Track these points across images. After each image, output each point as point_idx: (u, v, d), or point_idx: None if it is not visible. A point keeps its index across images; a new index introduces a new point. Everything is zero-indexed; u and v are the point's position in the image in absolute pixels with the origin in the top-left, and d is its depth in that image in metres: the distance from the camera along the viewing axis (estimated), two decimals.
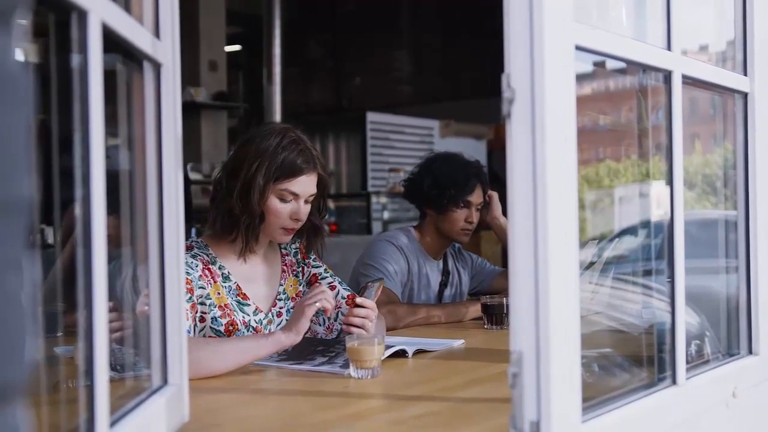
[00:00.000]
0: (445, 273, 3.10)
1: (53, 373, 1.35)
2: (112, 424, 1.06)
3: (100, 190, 1.00)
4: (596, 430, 1.25)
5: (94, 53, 0.99)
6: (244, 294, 2.22)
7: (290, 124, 2.31)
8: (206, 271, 2.16)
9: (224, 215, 2.18)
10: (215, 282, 2.17)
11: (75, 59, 0.99)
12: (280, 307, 2.31)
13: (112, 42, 1.09)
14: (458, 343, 2.31)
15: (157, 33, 1.33)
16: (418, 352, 2.15)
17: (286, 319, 2.28)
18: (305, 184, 2.19)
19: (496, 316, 2.61)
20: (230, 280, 2.21)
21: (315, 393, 1.74)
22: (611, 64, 1.52)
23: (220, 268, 2.21)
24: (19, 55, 0.58)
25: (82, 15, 0.98)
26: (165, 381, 1.34)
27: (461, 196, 2.93)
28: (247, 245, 2.21)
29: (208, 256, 2.20)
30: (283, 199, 2.17)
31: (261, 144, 2.16)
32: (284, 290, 2.34)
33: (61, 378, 1.28)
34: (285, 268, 2.37)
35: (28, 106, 0.57)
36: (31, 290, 0.57)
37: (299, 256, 2.40)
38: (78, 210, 1.00)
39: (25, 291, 0.55)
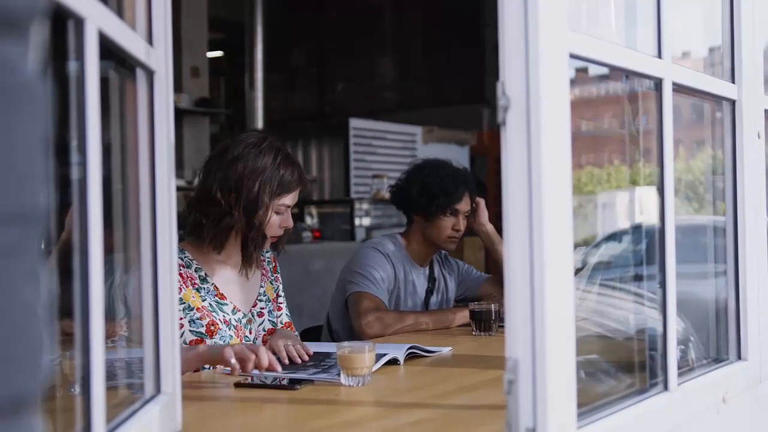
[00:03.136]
0: (432, 280, 3.10)
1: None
2: None
3: (97, 198, 0.99)
4: None
5: (90, 60, 0.98)
6: (222, 294, 2.27)
7: (267, 134, 2.37)
8: (178, 276, 2.18)
9: (224, 232, 2.23)
10: (187, 286, 2.21)
11: (71, 66, 0.99)
12: (261, 308, 2.38)
13: (106, 49, 1.08)
14: (446, 350, 2.32)
15: (150, 40, 1.32)
16: (410, 355, 2.15)
17: (269, 320, 2.38)
18: (296, 196, 2.31)
19: (484, 322, 2.61)
20: (208, 282, 2.26)
21: (306, 401, 1.73)
22: (593, 70, 1.52)
23: (196, 271, 2.25)
24: (35, 66, 0.58)
25: (79, 22, 0.97)
26: (158, 390, 1.33)
27: (450, 204, 2.93)
28: (253, 259, 2.28)
29: (182, 259, 2.23)
30: (278, 212, 2.27)
31: (256, 162, 2.22)
32: (264, 292, 2.40)
33: (57, 386, 1.27)
34: (264, 271, 2.43)
35: (45, 116, 0.57)
36: (46, 300, 0.57)
37: (271, 267, 2.48)
38: (74, 217, 0.99)
39: (40, 301, 0.55)
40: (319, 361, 2.10)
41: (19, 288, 0.53)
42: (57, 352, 1.33)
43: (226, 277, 2.30)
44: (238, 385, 1.86)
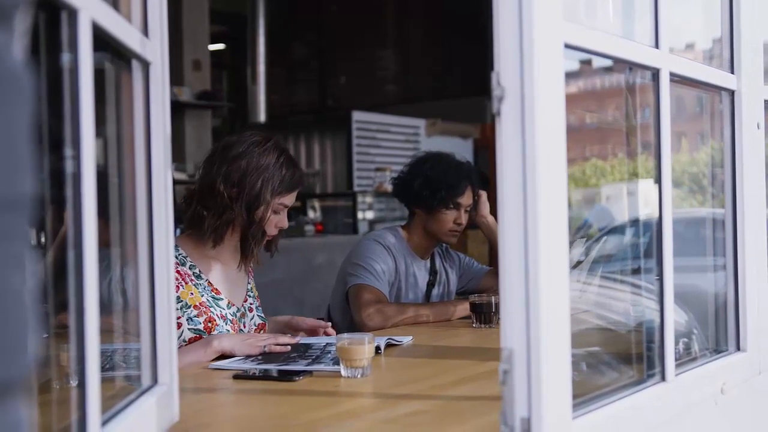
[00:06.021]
0: (433, 272, 3.10)
1: (38, 374, 1.34)
2: (104, 423, 1.06)
3: (91, 191, 0.99)
4: (587, 426, 1.25)
5: (84, 52, 0.98)
6: (216, 289, 2.29)
7: (270, 135, 2.39)
8: (175, 273, 2.18)
9: (225, 225, 2.25)
10: (186, 283, 2.22)
11: (64, 58, 0.99)
12: (250, 303, 2.42)
13: (101, 40, 1.08)
14: (408, 339, 2.34)
15: (145, 31, 1.32)
16: (389, 346, 2.20)
17: (258, 315, 2.41)
18: (294, 197, 2.33)
19: (485, 314, 2.61)
20: (202, 278, 2.28)
21: (304, 392, 1.74)
22: (597, 62, 1.52)
23: (190, 268, 2.27)
24: (20, 54, 0.58)
25: (72, 13, 0.97)
26: (155, 380, 1.34)
27: (451, 198, 2.92)
28: (251, 255, 2.30)
29: (177, 257, 2.24)
30: (276, 212, 2.28)
31: (260, 160, 2.24)
32: (251, 288, 2.44)
33: (52, 378, 1.27)
34: (250, 269, 2.46)
35: (30, 104, 0.57)
36: (33, 287, 0.57)
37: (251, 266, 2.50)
38: (68, 211, 0.99)
39: (27, 287, 0.56)
40: (303, 352, 2.10)
41: (6, 274, 0.53)
42: (48, 343, 1.33)
43: (218, 272, 2.33)
44: (236, 376, 1.86)
